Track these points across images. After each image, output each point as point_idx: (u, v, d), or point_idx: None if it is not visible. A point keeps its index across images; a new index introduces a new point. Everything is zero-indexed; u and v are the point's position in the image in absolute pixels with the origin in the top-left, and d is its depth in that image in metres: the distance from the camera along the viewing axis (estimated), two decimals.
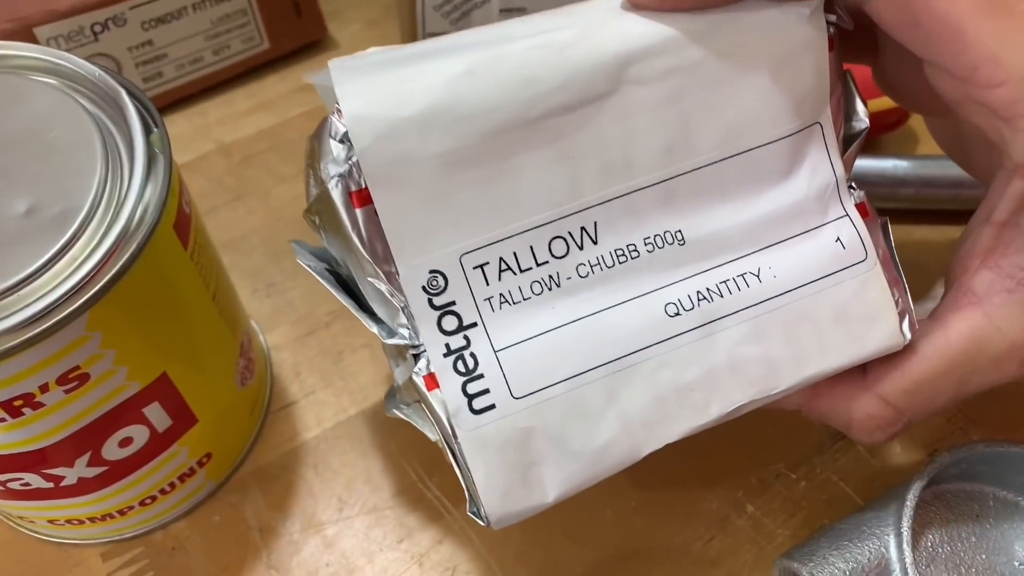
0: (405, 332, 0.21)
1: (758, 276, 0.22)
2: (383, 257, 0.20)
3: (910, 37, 0.20)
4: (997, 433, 0.30)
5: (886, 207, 0.34)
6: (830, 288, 0.22)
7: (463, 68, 0.20)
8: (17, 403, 0.20)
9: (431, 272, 0.20)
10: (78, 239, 0.20)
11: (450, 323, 0.21)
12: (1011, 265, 0.21)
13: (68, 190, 0.21)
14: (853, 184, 0.23)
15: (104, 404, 0.22)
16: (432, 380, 0.20)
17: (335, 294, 0.22)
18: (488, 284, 0.21)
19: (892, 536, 0.25)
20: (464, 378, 0.20)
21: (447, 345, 0.21)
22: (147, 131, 0.22)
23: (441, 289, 0.21)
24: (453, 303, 0.21)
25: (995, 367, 0.21)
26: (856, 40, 0.23)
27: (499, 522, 0.21)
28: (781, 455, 0.29)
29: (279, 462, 0.29)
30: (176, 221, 0.22)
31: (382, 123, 0.20)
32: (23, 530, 0.28)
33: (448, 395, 0.20)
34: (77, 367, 0.21)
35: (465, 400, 0.20)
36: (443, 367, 0.20)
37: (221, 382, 0.26)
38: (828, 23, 0.21)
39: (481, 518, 0.21)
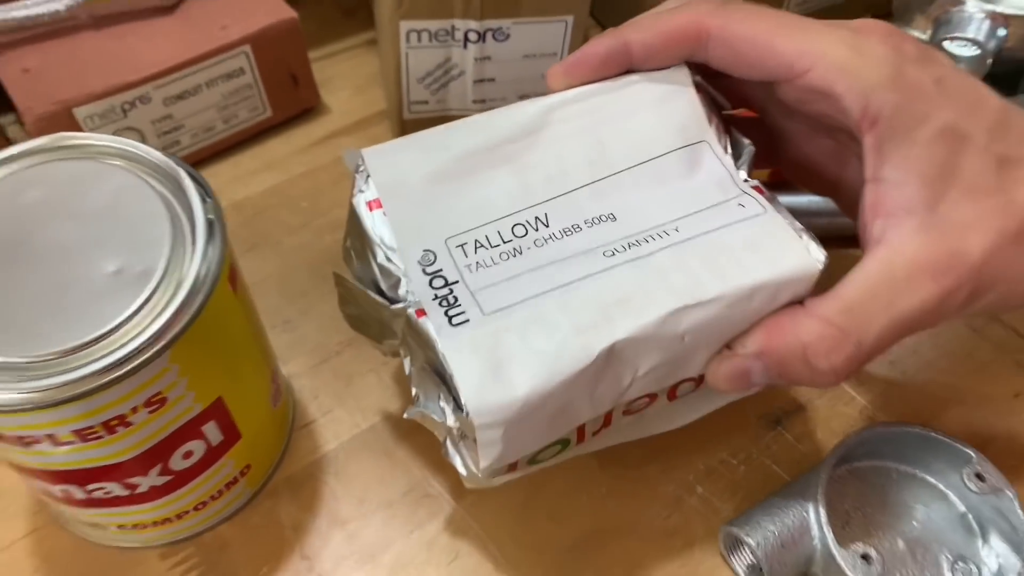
0: (404, 295, 0.27)
1: (676, 230, 0.28)
2: (388, 245, 0.27)
3: (743, 68, 0.28)
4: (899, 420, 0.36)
5: None
6: (737, 227, 0.27)
7: (436, 129, 0.29)
8: (113, 423, 0.26)
9: (424, 250, 0.27)
10: (156, 292, 0.25)
11: (438, 282, 0.27)
12: (892, 206, 0.26)
13: (146, 253, 0.26)
14: (747, 178, 0.29)
15: (175, 423, 0.27)
16: (421, 312, 0.26)
17: (356, 284, 0.29)
18: (466, 256, 0.27)
19: (811, 502, 0.31)
20: (445, 308, 0.26)
21: (435, 294, 0.27)
22: (203, 201, 0.27)
23: (431, 261, 0.27)
24: (440, 270, 0.27)
25: (911, 285, 0.25)
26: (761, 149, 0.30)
27: (478, 414, 0.25)
28: (724, 446, 0.35)
29: (305, 471, 0.34)
30: (229, 273, 0.28)
31: (388, 157, 0.28)
32: (89, 539, 0.33)
33: (432, 319, 0.26)
34: (159, 392, 0.26)
35: (446, 320, 0.26)
36: (430, 304, 0.26)
37: (259, 403, 0.32)
38: (691, 75, 0.30)
39: (463, 411, 0.25)
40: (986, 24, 0.37)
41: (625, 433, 0.31)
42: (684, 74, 0.29)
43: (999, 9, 0.37)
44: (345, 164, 0.29)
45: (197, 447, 0.29)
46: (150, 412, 0.26)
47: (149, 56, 0.40)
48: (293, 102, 0.46)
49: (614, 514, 0.33)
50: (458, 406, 0.26)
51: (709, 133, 0.29)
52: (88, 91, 0.39)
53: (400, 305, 0.27)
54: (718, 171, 0.29)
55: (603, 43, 0.29)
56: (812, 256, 0.27)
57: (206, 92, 0.42)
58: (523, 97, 0.43)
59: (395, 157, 0.28)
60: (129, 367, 0.24)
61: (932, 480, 0.33)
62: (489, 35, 0.39)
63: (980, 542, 0.32)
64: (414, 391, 0.28)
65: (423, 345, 0.27)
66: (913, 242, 0.26)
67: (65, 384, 0.24)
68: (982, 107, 0.26)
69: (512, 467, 0.28)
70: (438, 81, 0.41)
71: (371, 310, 0.29)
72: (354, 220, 0.28)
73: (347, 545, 0.33)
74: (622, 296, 0.26)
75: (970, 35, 0.37)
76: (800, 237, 0.27)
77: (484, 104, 0.43)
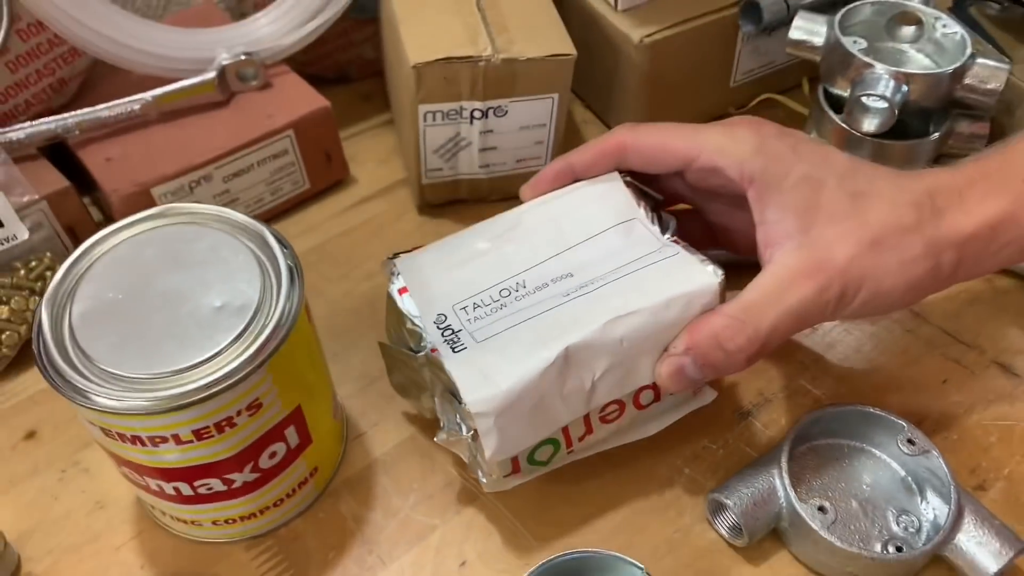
0: (425, 346, 0.36)
1: (617, 277, 0.37)
2: (413, 315, 0.37)
3: (654, 165, 0.40)
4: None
5: None
6: (658, 264, 0.37)
7: (447, 239, 0.40)
8: (223, 424, 0.33)
9: (438, 314, 0.37)
10: (253, 321, 0.33)
11: (447, 332, 0.37)
12: (776, 237, 0.36)
13: (242, 292, 0.34)
14: (673, 239, 0.39)
15: (266, 425, 0.35)
16: (435, 350, 0.36)
17: (394, 346, 0.38)
18: (467, 314, 0.37)
19: (775, 468, 0.38)
20: (451, 344, 0.36)
21: (444, 339, 0.36)
22: (283, 251, 0.35)
23: (443, 321, 0.37)
24: (449, 325, 0.37)
25: (792, 285, 0.34)
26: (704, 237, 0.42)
27: (473, 404, 0.34)
28: (705, 435, 0.42)
29: (360, 473, 0.41)
30: (305, 306, 0.35)
31: (411, 260, 0.39)
32: (187, 536, 0.39)
33: (442, 352, 0.36)
34: (257, 399, 0.33)
35: (451, 350, 0.36)
36: (441, 344, 0.36)
37: (325, 413, 0.39)
38: (622, 177, 0.40)
39: (463, 404, 0.34)
40: (891, 83, 0.45)
41: (608, 441, 0.39)
42: (615, 176, 0.40)
43: (902, 70, 0.46)
44: (384, 267, 0.40)
45: (280, 448, 0.36)
46: (250, 415, 0.33)
47: (209, 142, 0.49)
48: (327, 175, 0.54)
49: (617, 494, 0.40)
50: (459, 401, 0.35)
51: (639, 212, 0.40)
52: (162, 173, 0.47)
53: (423, 353, 0.37)
54: (646, 236, 0.39)
55: (554, 167, 0.41)
56: (713, 274, 0.36)
57: (257, 170, 0.50)
58: (520, 161, 0.52)
59: (416, 259, 0.39)
60: (236, 378, 0.32)
61: (875, 451, 0.41)
62: (491, 112, 0.48)
63: (919, 499, 0.39)
64: (440, 421, 0.37)
65: (438, 372, 0.36)
66: (792, 257, 0.35)
67: (188, 392, 0.31)
68: (831, 160, 0.37)
69: (516, 467, 0.37)
70: (450, 152, 0.50)
71: (406, 368, 0.39)
72: (390, 304, 0.38)
73: (400, 531, 0.39)
74: (574, 317, 0.36)
75: (879, 92, 0.45)
76: (703, 263, 0.37)
77: (489, 168, 0.51)
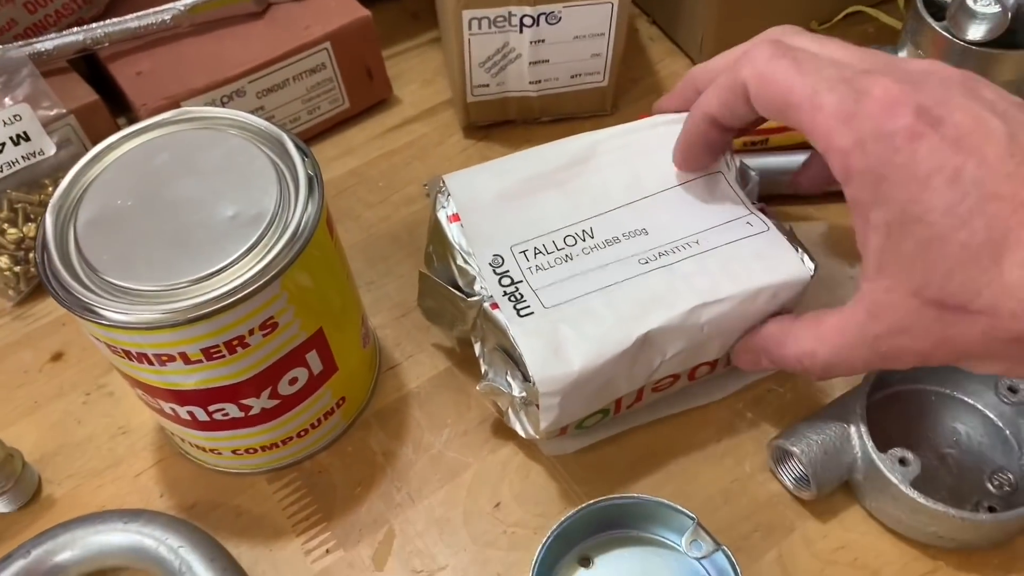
0: (478, 289, 0.33)
1: (697, 242, 0.34)
2: (465, 250, 0.33)
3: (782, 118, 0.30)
4: None
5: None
6: (747, 242, 0.33)
7: (503, 159, 0.36)
8: (234, 343, 0.30)
9: (494, 255, 0.33)
10: (268, 232, 0.30)
11: (505, 281, 0.33)
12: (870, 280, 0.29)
13: (257, 201, 0.31)
14: (755, 201, 0.35)
15: (284, 348, 0.32)
16: (494, 306, 0.32)
17: (440, 281, 0.34)
18: (527, 260, 0.33)
19: (851, 413, 0.34)
20: (513, 302, 0.32)
21: (504, 291, 0.33)
22: (303, 159, 0.32)
23: (500, 264, 0.33)
24: (507, 271, 0.33)
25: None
26: None
27: (543, 382, 0.31)
28: (771, 378, 0.38)
29: (393, 406, 0.39)
30: (326, 220, 0.32)
31: (464, 180, 0.35)
32: (207, 464, 0.37)
33: (505, 312, 0.32)
34: (271, 317, 0.30)
35: (515, 312, 0.32)
36: (501, 299, 0.32)
37: (353, 340, 0.36)
38: None
39: (531, 382, 0.31)
40: None
41: (653, 410, 0.36)
42: None
43: None
44: (426, 188, 0.36)
45: (301, 374, 0.33)
46: (264, 335, 0.31)
47: (243, 55, 0.46)
48: (368, 94, 0.51)
49: (670, 438, 0.36)
50: (526, 379, 0.31)
51: (723, 165, 0.35)
52: (192, 87, 0.45)
53: (475, 298, 0.33)
54: (730, 195, 0.35)
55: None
56: (805, 266, 0.33)
57: (293, 85, 0.47)
58: (574, 77, 0.47)
59: (470, 180, 0.35)
60: (246, 291, 0.29)
61: (968, 399, 0.36)
62: (542, 19, 0.43)
63: (1018, 454, 0.34)
64: (483, 368, 0.34)
65: (495, 331, 0.33)
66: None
67: (195, 306, 0.28)
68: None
69: (563, 431, 0.34)
70: (497, 65, 0.46)
71: (448, 303, 0.35)
72: (437, 230, 0.35)
73: (431, 467, 0.36)
74: (655, 295, 0.32)
75: None
76: (796, 250, 0.33)
77: (540, 84, 0.47)
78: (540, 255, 0.34)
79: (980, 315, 0.26)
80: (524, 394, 0.32)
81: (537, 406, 0.32)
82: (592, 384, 0.32)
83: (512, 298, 0.32)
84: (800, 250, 0.34)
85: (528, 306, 0.32)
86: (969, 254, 0.26)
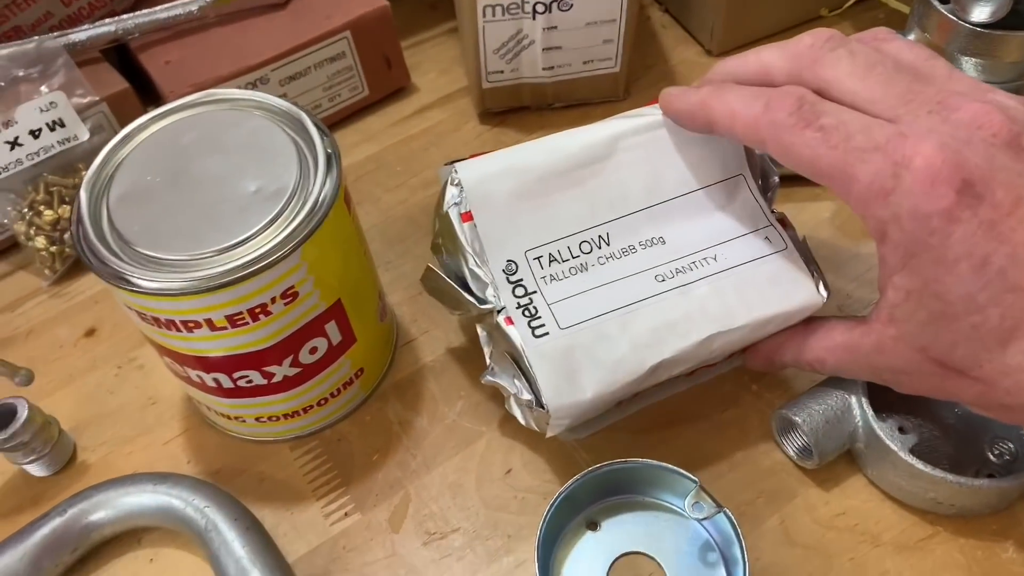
0: (491, 297, 0.33)
1: (715, 259, 0.34)
2: (479, 253, 0.33)
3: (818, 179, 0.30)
4: None
5: None
6: (763, 263, 0.33)
7: (519, 148, 0.35)
8: (257, 311, 0.32)
9: (507, 261, 0.33)
10: (288, 206, 0.32)
11: (519, 291, 0.33)
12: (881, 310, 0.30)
13: (278, 177, 0.32)
14: (774, 210, 0.35)
15: (304, 317, 0.33)
16: (509, 321, 0.32)
17: (451, 282, 0.34)
18: (542, 268, 0.33)
19: (852, 385, 0.34)
20: (528, 319, 0.32)
21: (518, 303, 0.33)
22: (323, 138, 0.34)
23: (514, 271, 0.33)
24: (521, 279, 0.33)
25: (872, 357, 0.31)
26: None
27: (556, 410, 0.31)
28: None
29: (409, 378, 0.40)
30: (344, 196, 0.34)
31: (477, 173, 0.34)
32: (232, 432, 0.39)
33: (519, 329, 0.32)
34: (292, 287, 0.32)
35: (530, 331, 0.32)
36: (515, 313, 0.32)
37: (370, 313, 0.38)
38: None
39: (544, 408, 0.31)
40: None
41: (649, 398, 0.37)
42: None
43: None
44: (439, 176, 0.36)
45: (321, 344, 0.35)
46: (285, 304, 0.32)
47: (266, 44, 0.47)
48: (387, 82, 0.52)
49: (677, 408, 0.38)
50: (539, 403, 0.32)
51: (745, 167, 0.35)
52: (217, 75, 0.46)
53: (488, 307, 0.33)
54: (751, 203, 0.35)
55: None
56: (819, 294, 0.33)
57: (314, 73, 0.49)
58: (587, 63, 0.48)
59: (484, 174, 0.34)
60: (268, 260, 0.30)
61: None
62: (555, 6, 0.44)
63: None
64: (489, 361, 0.34)
65: (507, 344, 0.33)
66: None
67: (220, 274, 0.30)
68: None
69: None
70: (511, 51, 0.47)
71: (459, 303, 0.35)
72: (447, 225, 0.34)
73: (445, 436, 0.38)
74: (670, 321, 0.32)
75: None
76: (812, 275, 0.34)
77: (553, 70, 0.48)
78: (555, 263, 0.33)
79: (978, 381, 0.28)
80: (531, 398, 0.32)
81: (547, 423, 0.32)
82: (601, 405, 0.33)
83: (527, 312, 0.32)
84: (816, 275, 0.34)
85: (543, 324, 0.32)
86: (978, 335, 0.27)
